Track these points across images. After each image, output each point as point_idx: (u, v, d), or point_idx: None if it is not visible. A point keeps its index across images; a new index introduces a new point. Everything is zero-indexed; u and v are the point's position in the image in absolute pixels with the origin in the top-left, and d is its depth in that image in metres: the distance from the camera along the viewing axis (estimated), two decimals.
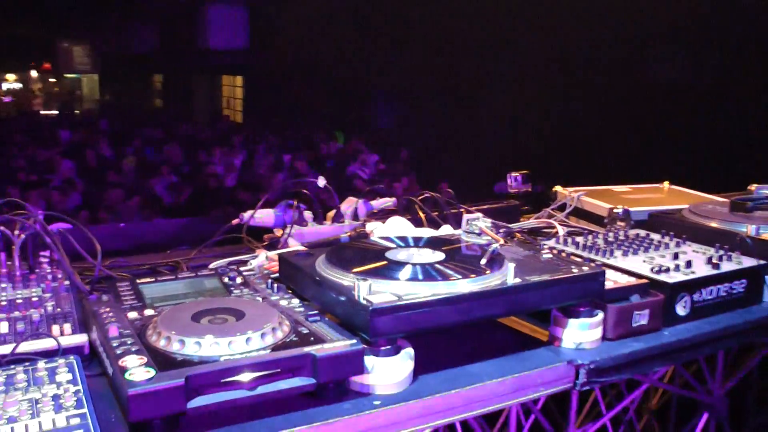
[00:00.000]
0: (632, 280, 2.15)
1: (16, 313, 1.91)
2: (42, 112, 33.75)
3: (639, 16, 12.03)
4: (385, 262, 1.93)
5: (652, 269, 2.22)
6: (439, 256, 2.00)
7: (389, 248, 2.07)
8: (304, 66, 21.90)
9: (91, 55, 35.60)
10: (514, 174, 3.50)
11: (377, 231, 2.64)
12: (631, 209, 3.07)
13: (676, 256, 2.39)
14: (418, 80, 17.17)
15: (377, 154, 16.55)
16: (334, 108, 21.77)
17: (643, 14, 11.97)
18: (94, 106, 36.69)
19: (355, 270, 1.84)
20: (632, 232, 2.73)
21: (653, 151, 12.23)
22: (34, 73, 41.24)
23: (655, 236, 2.67)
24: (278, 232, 3.04)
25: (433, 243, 2.13)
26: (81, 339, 1.81)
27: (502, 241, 2.04)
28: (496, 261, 1.93)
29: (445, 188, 3.17)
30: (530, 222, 3.13)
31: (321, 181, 3.02)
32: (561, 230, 2.85)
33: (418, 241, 2.15)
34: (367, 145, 17.23)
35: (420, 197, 3.07)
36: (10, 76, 40.98)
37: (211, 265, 2.53)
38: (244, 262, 2.55)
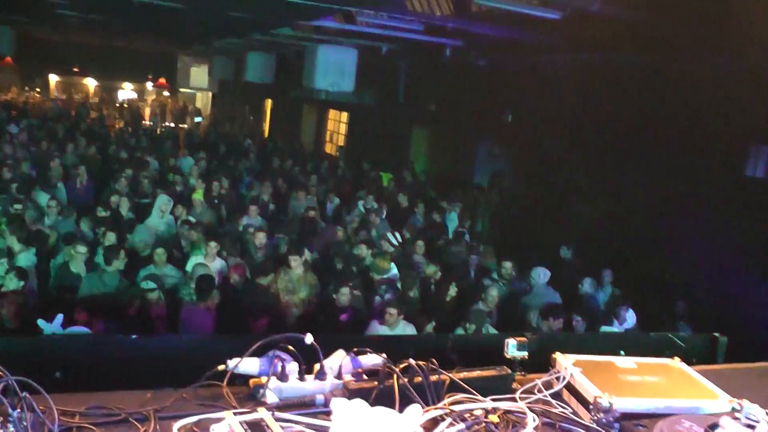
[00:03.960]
0: None
1: None
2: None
3: None
4: None
5: None
6: None
7: None
8: (412, 106, 22.26)
9: (206, 74, 36.85)
10: (511, 341, 3.50)
11: (336, 411, 2.69)
12: (618, 399, 3.02)
13: None
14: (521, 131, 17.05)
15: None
16: (437, 155, 22.02)
17: None
18: (204, 123, 37.90)
19: None
20: None
21: None
22: (149, 86, 43.16)
23: None
24: (264, 380, 3.14)
25: None
26: None
27: None
28: None
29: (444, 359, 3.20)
30: (503, 403, 3.07)
31: (308, 339, 3.11)
32: (531, 423, 2.85)
33: None
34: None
35: (401, 366, 3.10)
36: (127, 85, 43.04)
37: (175, 426, 2.66)
38: (213, 422, 2.66)
